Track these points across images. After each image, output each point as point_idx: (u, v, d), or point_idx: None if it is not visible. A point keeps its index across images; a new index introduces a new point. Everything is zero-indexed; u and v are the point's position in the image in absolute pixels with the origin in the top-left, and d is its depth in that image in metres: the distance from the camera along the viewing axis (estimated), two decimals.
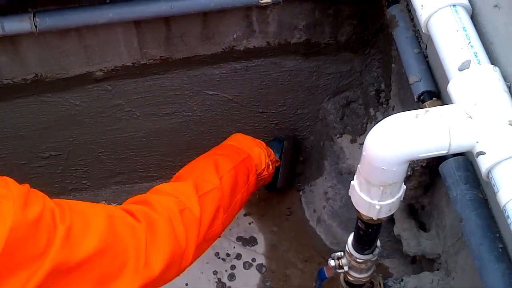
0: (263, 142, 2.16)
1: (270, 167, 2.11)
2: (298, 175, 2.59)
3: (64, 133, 2.33)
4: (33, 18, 1.83)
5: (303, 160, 2.61)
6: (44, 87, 2.14)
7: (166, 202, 1.57)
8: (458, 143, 1.13)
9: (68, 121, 2.28)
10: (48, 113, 2.24)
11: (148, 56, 2.11)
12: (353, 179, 1.33)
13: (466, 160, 1.46)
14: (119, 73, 2.15)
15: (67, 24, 1.89)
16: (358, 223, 1.47)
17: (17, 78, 2.08)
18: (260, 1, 1.91)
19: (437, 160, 1.57)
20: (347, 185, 1.38)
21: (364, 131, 2.33)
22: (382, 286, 1.77)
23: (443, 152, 1.14)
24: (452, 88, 1.23)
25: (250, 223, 2.53)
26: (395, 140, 1.14)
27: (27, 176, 2.39)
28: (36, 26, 1.83)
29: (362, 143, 1.31)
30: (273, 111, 2.43)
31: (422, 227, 1.95)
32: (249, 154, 2.00)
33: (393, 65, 2.08)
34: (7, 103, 2.17)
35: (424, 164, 1.74)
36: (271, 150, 2.21)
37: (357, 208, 1.36)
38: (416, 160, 1.73)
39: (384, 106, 2.23)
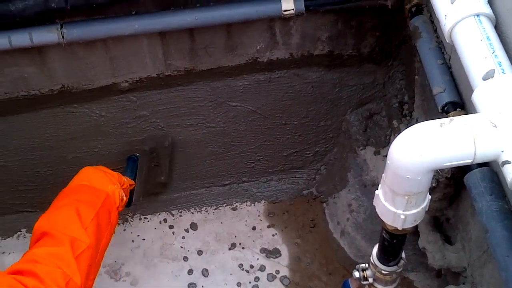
0: (114, 174, 2.04)
1: (124, 198, 2.03)
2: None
3: (90, 144, 2.36)
4: (61, 29, 1.86)
5: (325, 173, 2.61)
6: (70, 98, 2.17)
7: (53, 274, 1.64)
8: (483, 152, 1.12)
9: (94, 131, 2.31)
10: (74, 123, 2.27)
11: (172, 67, 2.13)
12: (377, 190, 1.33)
13: (491, 171, 1.45)
14: (144, 84, 2.17)
15: (93, 35, 1.92)
16: (383, 234, 1.46)
17: (44, 89, 2.11)
18: (284, 13, 1.92)
19: (462, 172, 1.56)
20: (371, 197, 1.37)
21: (387, 143, 2.32)
22: None
23: (468, 161, 1.14)
24: (477, 97, 1.23)
25: (273, 235, 2.52)
26: (420, 149, 1.13)
27: (53, 186, 2.41)
28: (63, 37, 1.86)
29: (386, 155, 1.31)
30: (296, 122, 2.43)
31: (447, 240, 1.93)
32: (107, 194, 1.95)
33: (416, 77, 2.07)
34: (34, 114, 2.21)
35: (449, 176, 1.72)
36: (123, 178, 2.07)
37: (381, 218, 1.35)
38: (441, 171, 1.71)
39: (408, 118, 2.22)
